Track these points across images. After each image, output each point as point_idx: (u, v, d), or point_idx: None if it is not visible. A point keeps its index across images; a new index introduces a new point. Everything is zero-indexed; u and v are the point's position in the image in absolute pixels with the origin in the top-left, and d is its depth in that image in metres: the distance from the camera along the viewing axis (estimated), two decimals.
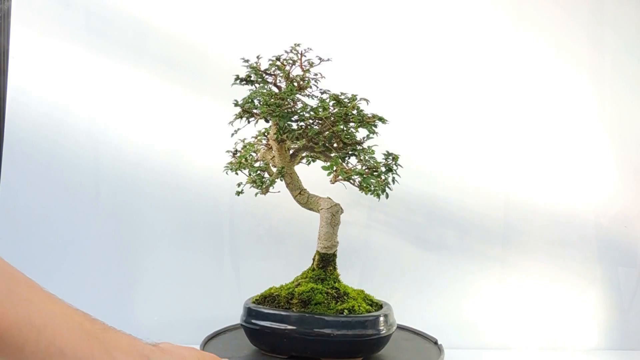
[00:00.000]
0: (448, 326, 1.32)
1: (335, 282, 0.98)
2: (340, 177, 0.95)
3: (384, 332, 0.93)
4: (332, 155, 0.97)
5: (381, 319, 0.94)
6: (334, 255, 0.99)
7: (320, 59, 1.03)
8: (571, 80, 1.40)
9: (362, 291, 1.02)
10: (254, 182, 0.95)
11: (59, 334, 0.60)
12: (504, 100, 1.39)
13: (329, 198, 1.02)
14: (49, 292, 0.62)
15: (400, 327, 1.12)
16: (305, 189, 1.03)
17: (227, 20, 1.36)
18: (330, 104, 0.99)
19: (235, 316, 1.07)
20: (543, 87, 1.40)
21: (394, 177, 0.97)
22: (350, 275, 1.06)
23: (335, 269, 0.99)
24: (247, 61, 1.02)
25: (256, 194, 0.98)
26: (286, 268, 1.29)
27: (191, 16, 1.36)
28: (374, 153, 0.97)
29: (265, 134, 1.07)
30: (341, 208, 1.00)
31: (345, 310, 0.92)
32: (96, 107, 1.34)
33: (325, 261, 0.98)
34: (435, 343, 1.07)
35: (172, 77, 1.35)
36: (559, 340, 1.38)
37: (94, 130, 1.33)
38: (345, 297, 0.95)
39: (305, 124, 0.99)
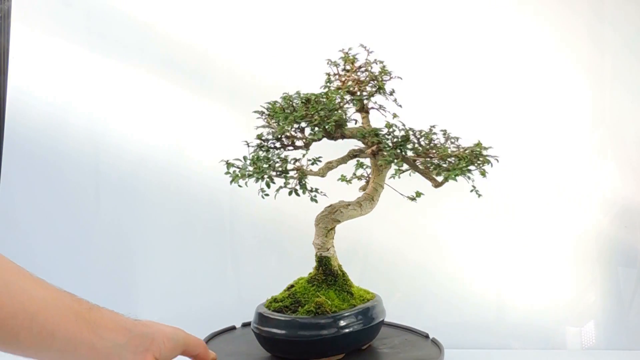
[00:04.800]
0: (448, 326, 1.32)
1: (302, 282, 0.97)
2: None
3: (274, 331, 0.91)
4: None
5: (263, 315, 0.93)
6: (315, 256, 0.97)
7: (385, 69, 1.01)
8: (570, 79, 1.40)
9: (325, 298, 0.95)
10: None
11: (50, 318, 0.63)
12: (501, 98, 1.38)
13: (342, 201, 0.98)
14: (38, 278, 0.65)
15: (399, 326, 1.12)
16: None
17: (227, 19, 1.36)
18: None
19: (236, 316, 1.07)
20: (542, 86, 1.39)
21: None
22: (351, 274, 1.06)
23: (317, 269, 0.97)
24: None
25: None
26: (287, 269, 1.29)
27: (192, 15, 1.36)
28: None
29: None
30: (331, 216, 0.95)
31: (273, 303, 0.94)
32: (96, 106, 1.34)
33: (315, 261, 0.99)
34: (435, 342, 1.07)
35: (172, 76, 1.35)
36: (559, 340, 1.38)
37: (94, 130, 1.34)
38: (292, 295, 0.94)
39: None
